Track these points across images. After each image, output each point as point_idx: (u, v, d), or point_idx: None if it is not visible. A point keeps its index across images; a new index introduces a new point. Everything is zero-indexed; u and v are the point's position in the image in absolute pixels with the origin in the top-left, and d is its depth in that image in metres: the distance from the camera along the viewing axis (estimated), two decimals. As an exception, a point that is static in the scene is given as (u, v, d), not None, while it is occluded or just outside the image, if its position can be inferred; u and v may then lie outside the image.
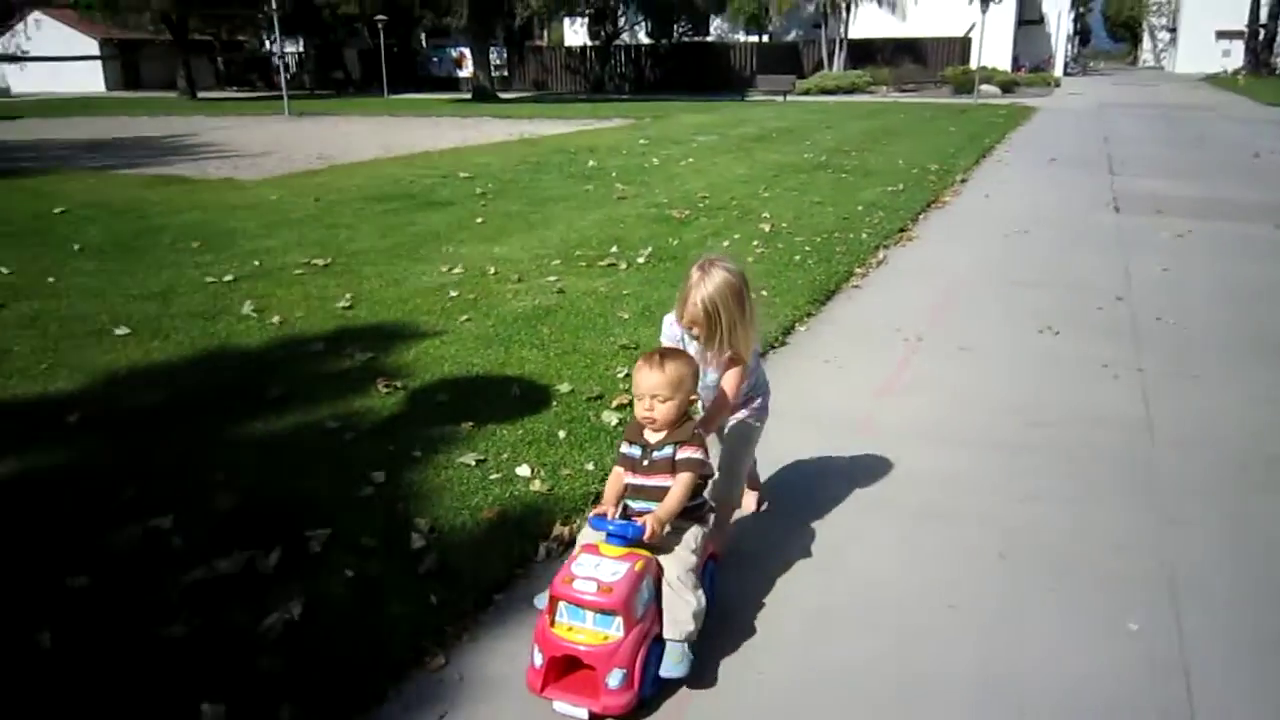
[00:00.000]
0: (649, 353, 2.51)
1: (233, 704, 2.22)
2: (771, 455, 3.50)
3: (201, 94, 42.22)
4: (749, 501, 3.24)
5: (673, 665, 2.31)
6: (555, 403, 4.12)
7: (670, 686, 2.32)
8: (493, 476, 3.42)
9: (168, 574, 2.79)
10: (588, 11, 44.74)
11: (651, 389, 2.43)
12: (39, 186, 10.96)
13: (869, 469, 3.61)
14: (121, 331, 5.26)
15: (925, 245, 7.94)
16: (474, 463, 3.52)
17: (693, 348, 2.71)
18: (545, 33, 57.80)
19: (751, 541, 3.09)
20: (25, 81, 52.87)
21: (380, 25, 39.32)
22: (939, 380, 4.63)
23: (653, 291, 6.03)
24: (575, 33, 53.26)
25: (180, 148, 16.80)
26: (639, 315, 5.50)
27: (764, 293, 5.95)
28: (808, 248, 7.36)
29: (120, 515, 3.14)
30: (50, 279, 6.48)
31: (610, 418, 3.96)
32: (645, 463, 2.47)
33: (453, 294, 6.01)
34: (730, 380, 2.73)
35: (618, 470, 2.55)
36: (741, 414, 2.87)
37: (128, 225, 8.45)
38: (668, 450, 2.45)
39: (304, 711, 2.21)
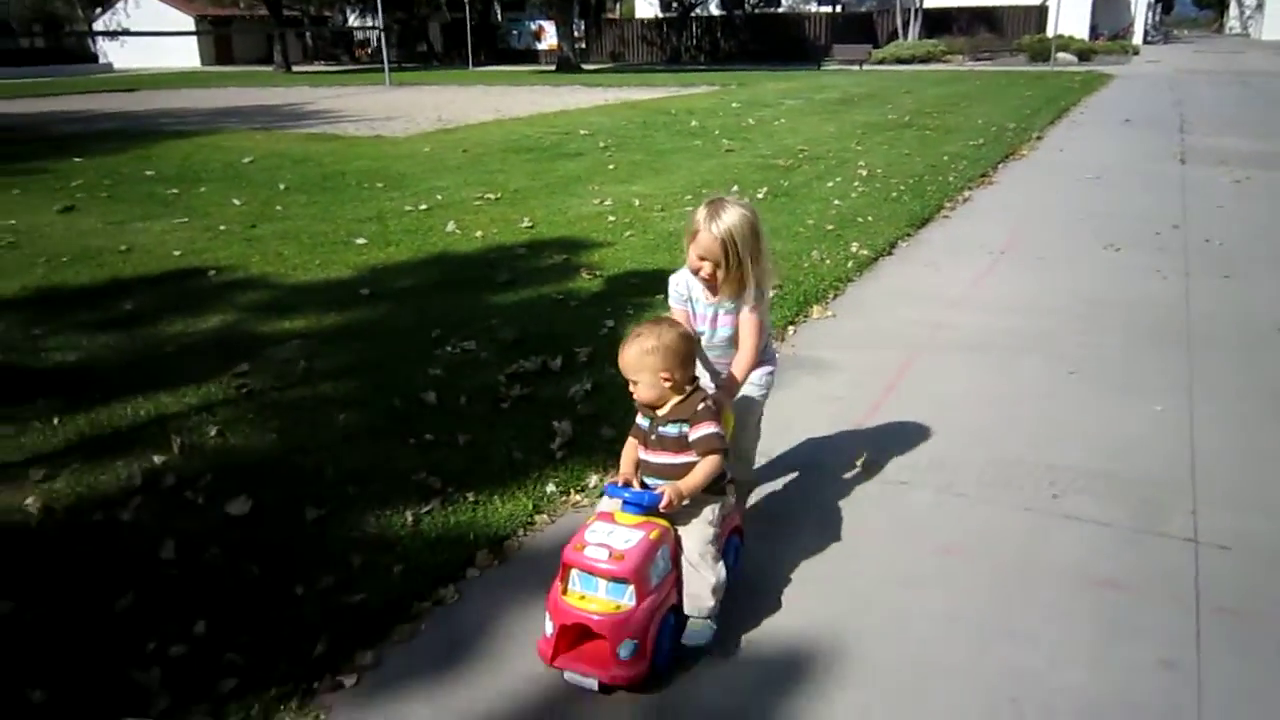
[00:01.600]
0: (640, 325, 2.43)
1: (572, 427, 3.54)
2: (889, 319, 4.73)
3: (294, 68, 44.21)
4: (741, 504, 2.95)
5: (694, 634, 2.30)
6: (723, 283, 5.41)
7: (685, 659, 2.28)
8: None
9: (491, 370, 4.14)
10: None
11: (622, 368, 2.39)
12: (216, 143, 12.56)
13: (970, 325, 4.83)
14: (360, 241, 6.67)
15: (1005, 188, 9.02)
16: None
17: (700, 304, 2.66)
18: (619, 6, 58.85)
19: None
20: (124, 58, 55.47)
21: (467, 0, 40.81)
22: (1019, 277, 5.80)
23: (775, 217, 7.25)
24: (650, 5, 54.24)
25: (308, 114, 18.39)
26: (770, 231, 6.71)
27: (868, 218, 7.15)
28: (902, 188, 8.51)
29: (438, 342, 4.51)
30: (278, 207, 7.96)
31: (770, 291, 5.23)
32: (652, 437, 2.40)
33: (610, 219, 7.32)
34: (748, 330, 2.61)
35: (632, 440, 2.48)
36: (745, 387, 2.70)
37: (311, 171, 9.93)
38: (672, 429, 2.36)
39: (611, 434, 3.50)
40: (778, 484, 3.23)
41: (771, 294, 2.61)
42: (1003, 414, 3.78)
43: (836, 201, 7.90)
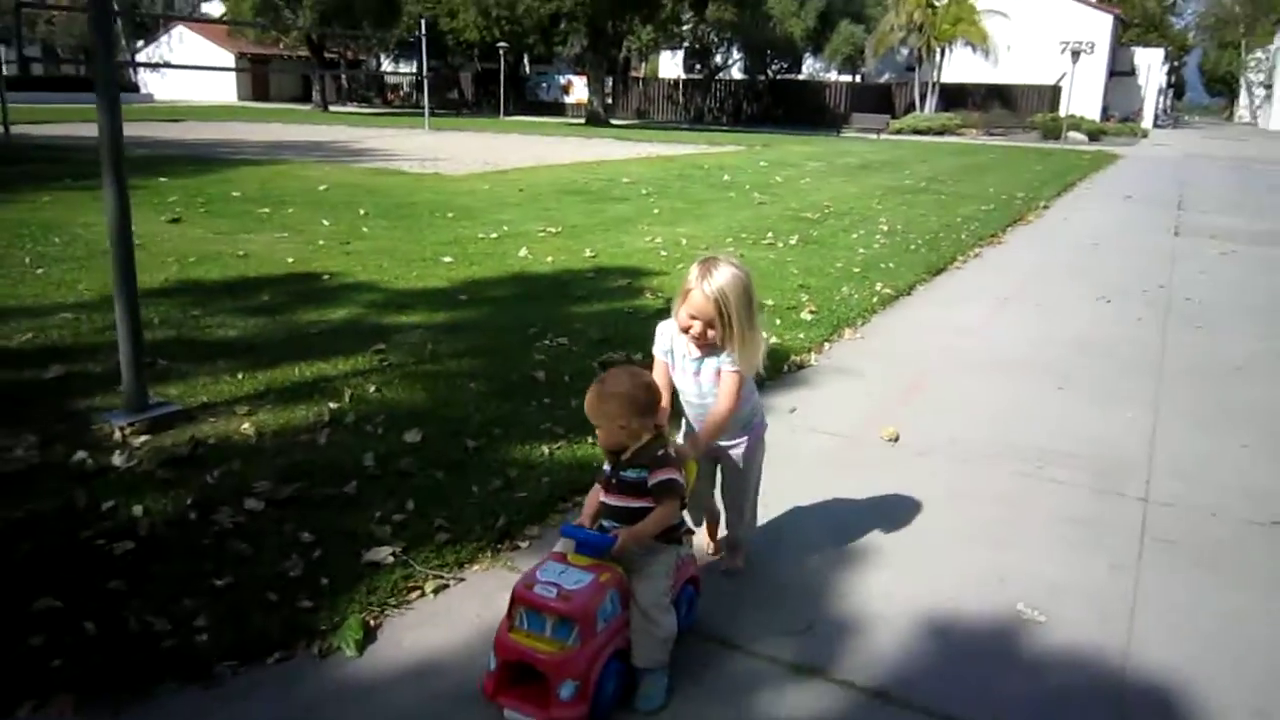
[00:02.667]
0: (604, 373, 2.48)
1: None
2: (910, 343, 5.65)
3: (330, 107, 45.81)
4: (703, 538, 3.04)
5: (647, 698, 2.30)
6: (770, 304, 6.33)
7: (620, 707, 2.28)
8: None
9: (585, 359, 5.05)
10: (693, 45, 47.46)
11: (587, 412, 2.41)
12: (290, 171, 13.65)
13: (977, 350, 5.75)
14: (447, 260, 7.64)
15: (1012, 248, 10.00)
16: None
17: (682, 358, 2.68)
18: (643, 64, 60.83)
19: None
20: (164, 89, 57.27)
21: (501, 52, 42.46)
22: (1021, 318, 6.73)
23: (808, 260, 8.22)
24: (674, 65, 56.13)
25: (359, 151, 19.57)
26: (803, 271, 7.69)
27: (890, 265, 8.11)
28: (919, 242, 9.49)
29: (535, 337, 5.43)
30: (364, 229, 8.95)
31: (805, 315, 6.16)
32: (613, 480, 2.42)
33: (662, 253, 8.29)
34: (725, 389, 2.62)
35: (597, 486, 2.51)
36: (741, 442, 2.78)
37: (384, 200, 10.96)
38: (632, 473, 2.39)
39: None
40: (817, 450, 4.13)
41: (761, 361, 2.66)
42: (1002, 412, 4.69)
43: (861, 250, 8.88)
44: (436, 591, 2.84)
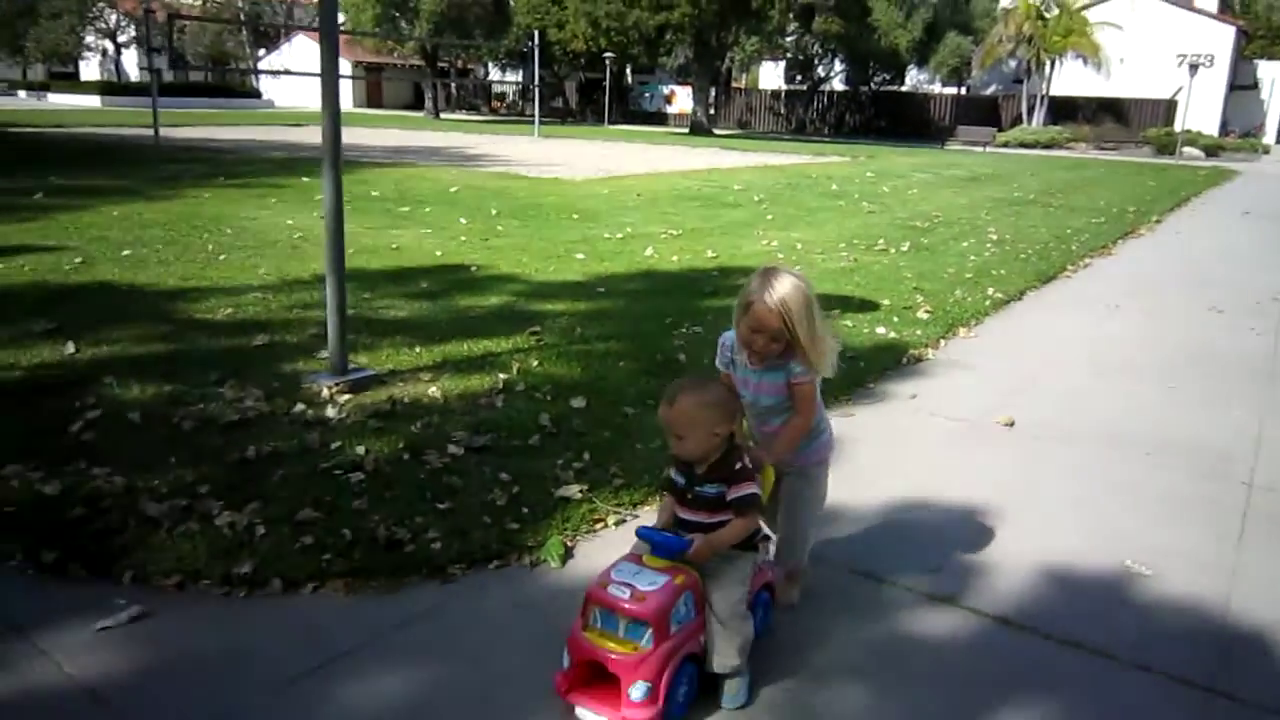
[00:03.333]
0: (674, 383, 2.43)
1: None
2: (1021, 343, 5.98)
3: (441, 114, 47.44)
4: (792, 593, 2.85)
5: (730, 698, 2.35)
6: (887, 303, 6.73)
7: (698, 707, 2.32)
8: (864, 330, 6.05)
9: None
10: (796, 56, 47.67)
11: (668, 425, 2.36)
12: (420, 174, 14.54)
13: (1088, 352, 6.04)
14: (580, 256, 8.22)
15: (1123, 259, 10.12)
16: (851, 324, 6.16)
17: (743, 369, 2.61)
18: (745, 75, 61.22)
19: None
20: (284, 96, 59.87)
21: (607, 62, 43.40)
22: (1132, 325, 6.96)
23: (920, 264, 8.56)
24: (776, 76, 56.35)
25: (476, 156, 20.49)
26: (916, 276, 8.04)
27: (1001, 271, 8.39)
28: (1029, 251, 9.72)
29: (673, 325, 5.94)
30: (498, 227, 9.63)
31: (923, 314, 6.54)
32: (689, 496, 2.41)
33: (779, 255, 8.73)
34: (803, 400, 2.58)
35: (669, 498, 2.49)
36: (801, 461, 2.69)
37: (511, 202, 11.66)
38: (711, 489, 2.37)
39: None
40: (938, 431, 4.54)
41: (833, 363, 2.59)
42: (1113, 407, 5.00)
43: (972, 257, 9.16)
44: (617, 524, 3.35)
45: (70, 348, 4.98)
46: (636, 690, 2.16)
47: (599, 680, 2.23)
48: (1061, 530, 3.48)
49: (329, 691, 2.40)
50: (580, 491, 3.49)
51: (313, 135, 25.65)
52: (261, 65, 63.41)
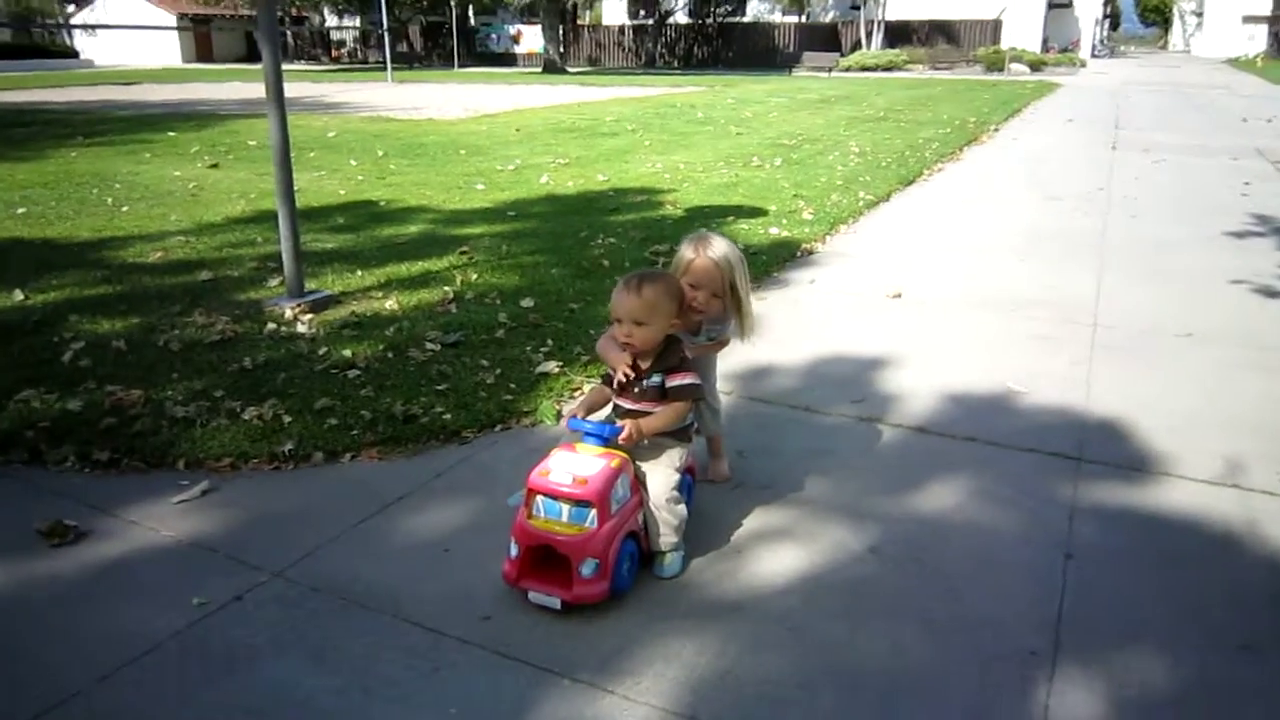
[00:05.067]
0: (628, 276, 2.51)
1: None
2: (892, 235, 6.78)
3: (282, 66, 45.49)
4: (722, 467, 3.11)
5: (667, 567, 2.54)
6: (773, 209, 7.42)
7: (637, 582, 2.48)
8: (760, 231, 6.71)
9: (636, 251, 6.09)
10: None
11: (629, 313, 2.43)
12: (291, 123, 14.27)
13: (951, 238, 6.89)
14: (480, 187, 8.60)
15: (970, 163, 11.15)
16: (747, 227, 6.82)
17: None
18: (588, 12, 60.94)
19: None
20: (104, 55, 56.03)
21: (452, 2, 42.57)
22: (984, 215, 7.88)
23: (795, 176, 9.30)
24: (619, 12, 56.30)
25: (339, 104, 20.14)
26: (794, 185, 8.77)
27: (867, 178, 9.22)
28: (889, 160, 10.61)
29: (588, 239, 6.45)
30: (390, 167, 9.85)
31: (807, 216, 7.25)
32: (636, 389, 2.53)
33: (666, 176, 9.31)
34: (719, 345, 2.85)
35: (601, 385, 2.66)
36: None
37: (394, 142, 11.81)
38: (655, 378, 2.51)
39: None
40: (839, 304, 5.26)
41: (752, 332, 2.83)
42: (978, 278, 5.84)
43: (840, 168, 9.98)
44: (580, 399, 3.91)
45: (19, 295, 5.14)
46: (586, 567, 2.31)
47: (544, 567, 2.39)
48: (953, 368, 4.24)
49: (395, 524, 2.90)
50: (557, 367, 4.03)
51: (152, 93, 24.58)
52: (75, 21, 59.12)
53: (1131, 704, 2.12)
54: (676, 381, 2.52)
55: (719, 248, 2.66)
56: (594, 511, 2.32)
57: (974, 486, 3.13)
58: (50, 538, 2.75)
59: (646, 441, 2.53)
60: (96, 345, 4.31)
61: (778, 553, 2.71)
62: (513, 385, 3.86)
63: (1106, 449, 3.42)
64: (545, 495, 2.38)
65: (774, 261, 6.02)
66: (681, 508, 2.56)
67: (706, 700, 2.11)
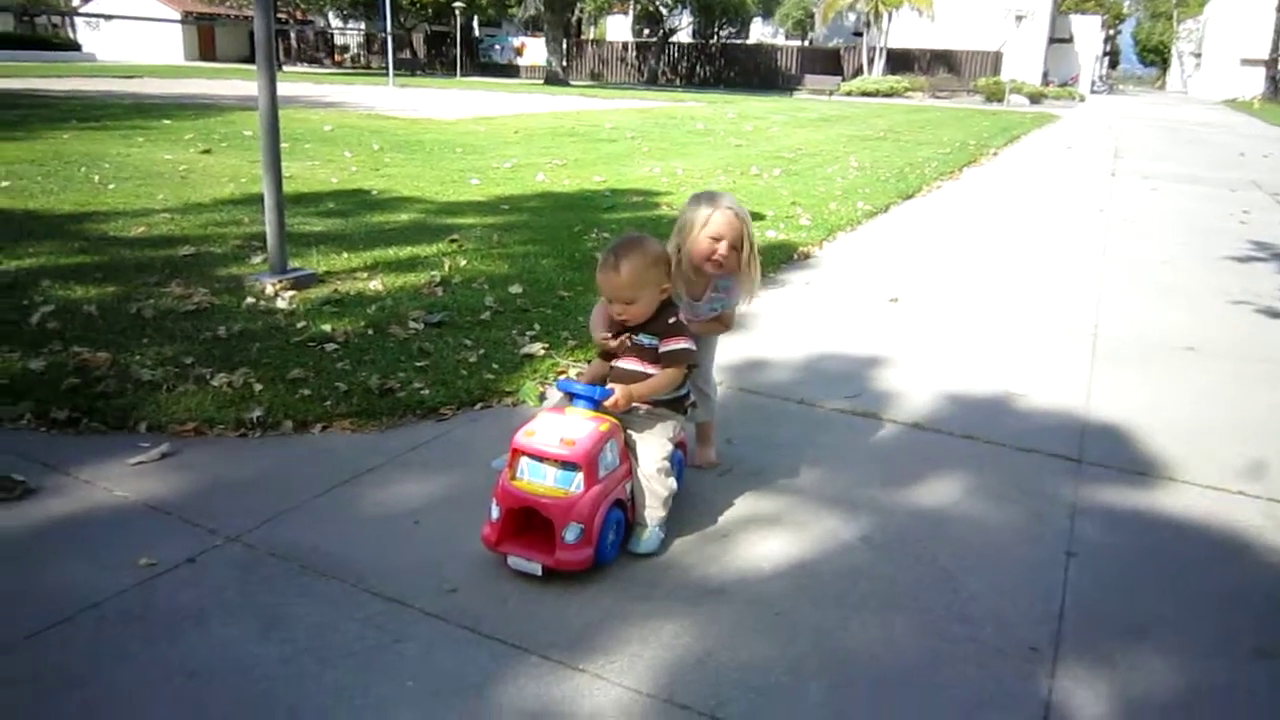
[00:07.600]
0: (604, 252, 2.42)
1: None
2: (889, 241, 6.67)
3: (283, 68, 45.49)
4: (710, 453, 2.99)
5: (645, 543, 2.40)
6: (771, 214, 7.31)
7: (615, 562, 2.36)
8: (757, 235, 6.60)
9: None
10: (645, 8, 47.99)
11: (615, 293, 2.37)
12: (286, 115, 14.15)
13: (951, 246, 6.79)
14: (475, 182, 8.48)
15: (969, 182, 11.09)
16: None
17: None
18: (592, 28, 61.17)
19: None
20: (106, 49, 55.93)
21: (457, 12, 42.64)
22: (984, 229, 7.78)
23: (793, 185, 9.20)
24: (623, 29, 56.54)
25: (339, 103, 20.04)
26: (792, 193, 8.67)
27: (866, 190, 9.12)
28: (888, 175, 10.53)
29: (582, 233, 6.32)
30: (385, 159, 9.72)
31: (804, 222, 7.15)
32: (628, 344, 2.45)
33: (663, 179, 9.21)
34: (728, 319, 2.79)
35: (601, 360, 2.59)
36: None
37: (392, 138, 11.69)
38: (645, 338, 2.43)
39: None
40: (835, 308, 5.13)
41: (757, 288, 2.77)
42: (977, 288, 5.73)
43: (839, 179, 9.89)
44: (579, 374, 3.76)
45: (-8, 259, 4.99)
46: (570, 532, 2.20)
47: (526, 531, 2.28)
48: (951, 369, 4.11)
49: (363, 494, 2.75)
50: (542, 349, 3.89)
51: (152, 86, 24.43)
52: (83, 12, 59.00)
53: (1138, 704, 1.98)
54: (670, 346, 2.43)
55: (729, 201, 2.62)
56: (580, 475, 2.22)
57: (972, 482, 2.99)
58: (-5, 492, 2.59)
59: (642, 410, 2.45)
60: (67, 309, 4.16)
61: (766, 538, 2.57)
62: (496, 365, 3.71)
63: (1108, 452, 3.29)
64: (530, 457, 2.27)
65: (770, 263, 5.88)
66: (671, 480, 2.46)
67: (684, 683, 1.96)
